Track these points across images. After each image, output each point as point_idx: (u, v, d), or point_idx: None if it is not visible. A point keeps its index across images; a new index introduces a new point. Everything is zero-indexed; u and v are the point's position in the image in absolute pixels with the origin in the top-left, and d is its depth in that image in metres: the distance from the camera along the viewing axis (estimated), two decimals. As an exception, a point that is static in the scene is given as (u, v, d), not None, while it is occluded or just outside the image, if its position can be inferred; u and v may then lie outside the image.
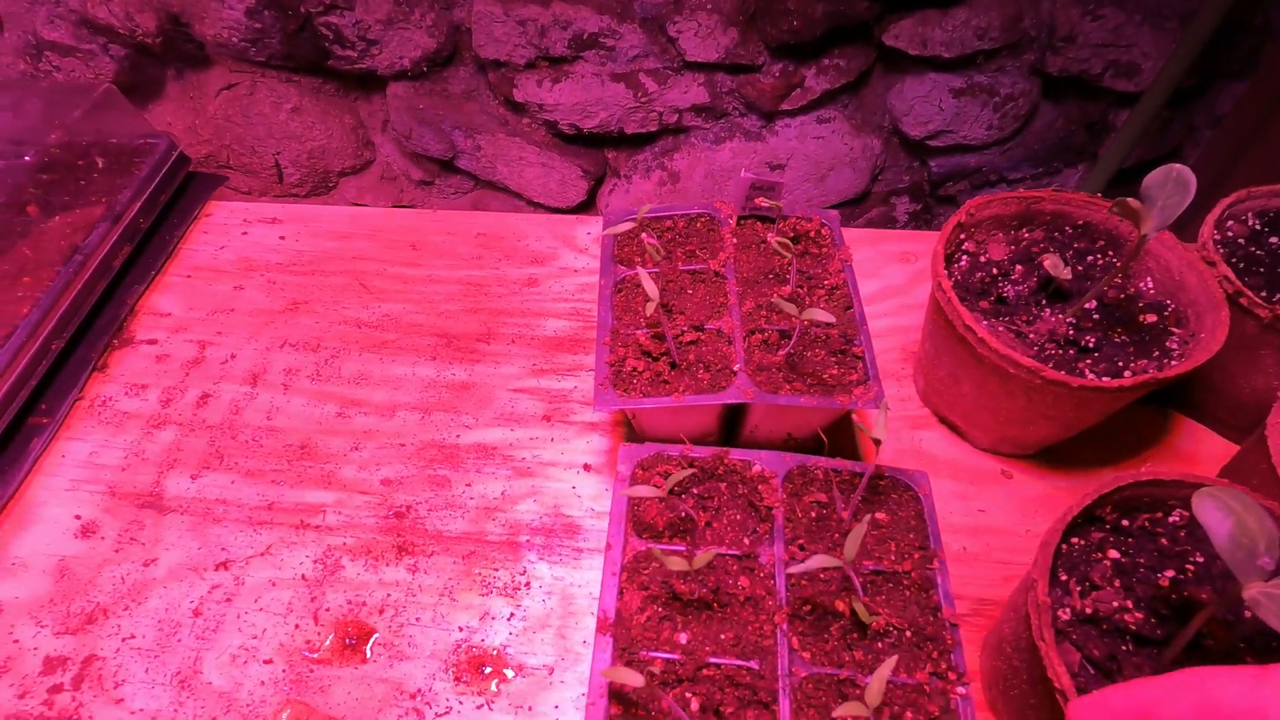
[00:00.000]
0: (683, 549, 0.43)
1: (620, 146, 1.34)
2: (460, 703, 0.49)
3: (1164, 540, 0.42)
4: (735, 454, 0.46)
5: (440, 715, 0.48)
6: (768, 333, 0.53)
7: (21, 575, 0.54)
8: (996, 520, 0.57)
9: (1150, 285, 0.56)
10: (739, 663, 0.39)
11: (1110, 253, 0.58)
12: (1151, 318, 0.53)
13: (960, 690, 0.37)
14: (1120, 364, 0.50)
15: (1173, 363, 0.50)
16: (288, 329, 0.69)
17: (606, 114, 1.24)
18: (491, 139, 1.33)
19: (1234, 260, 0.56)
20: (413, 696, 0.49)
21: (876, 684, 0.33)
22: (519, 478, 0.59)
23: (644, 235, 0.56)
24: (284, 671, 0.50)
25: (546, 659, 0.50)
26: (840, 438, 0.60)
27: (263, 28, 1.18)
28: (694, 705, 0.37)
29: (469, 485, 0.59)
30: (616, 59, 1.18)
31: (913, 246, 0.76)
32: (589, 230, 0.78)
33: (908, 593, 0.41)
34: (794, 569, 0.38)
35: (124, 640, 0.51)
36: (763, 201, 0.57)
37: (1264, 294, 0.54)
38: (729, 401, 0.48)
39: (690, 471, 0.44)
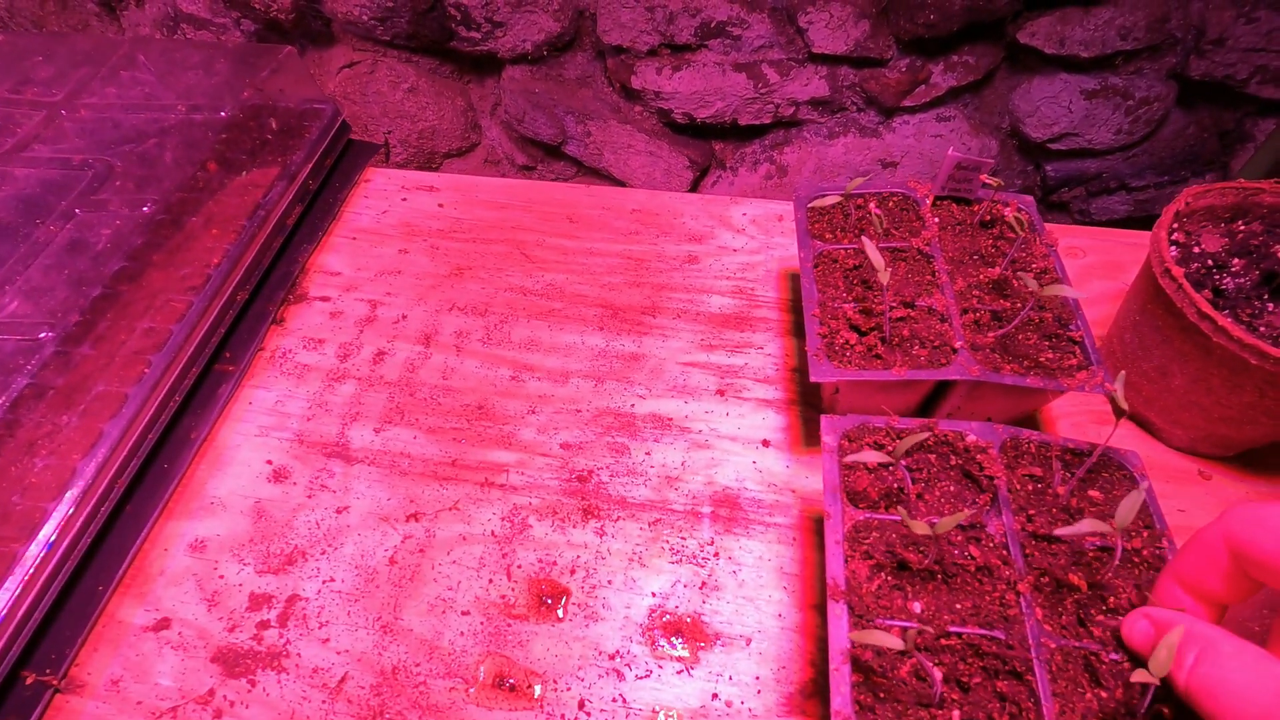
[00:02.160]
0: (897, 519, 0.42)
1: (729, 138, 1.34)
2: (660, 667, 0.48)
3: None
4: (945, 425, 0.45)
5: (641, 677, 0.48)
6: (979, 313, 0.52)
7: (221, 514, 0.56)
8: (1197, 520, 0.55)
9: (1381, 285, 0.53)
10: (982, 632, 0.38)
11: (1333, 250, 0.55)
12: (1391, 318, 0.51)
13: None
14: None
15: None
16: (455, 293, 0.70)
17: (723, 104, 1.24)
18: (603, 125, 1.33)
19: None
20: (611, 657, 0.49)
21: (1165, 652, 0.32)
22: (697, 449, 0.59)
23: (871, 205, 0.56)
24: (482, 624, 0.50)
25: (744, 630, 0.50)
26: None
27: (394, 6, 1.21)
28: (936, 675, 0.36)
29: (648, 454, 0.59)
30: (741, 48, 1.18)
31: (1078, 241, 0.74)
32: (744, 211, 0.78)
33: (1138, 570, 0.40)
34: (1063, 531, 0.37)
35: (324, 583, 0.52)
36: (985, 178, 0.56)
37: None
38: (952, 378, 0.47)
39: (924, 436, 0.43)
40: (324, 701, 0.47)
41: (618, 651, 0.49)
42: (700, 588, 0.52)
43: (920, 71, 1.15)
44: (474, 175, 0.82)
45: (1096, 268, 0.71)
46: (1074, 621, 0.39)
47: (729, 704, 0.47)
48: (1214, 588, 0.33)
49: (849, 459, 0.43)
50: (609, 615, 0.50)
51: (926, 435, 0.44)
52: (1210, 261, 0.55)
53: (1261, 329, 0.50)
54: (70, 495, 0.51)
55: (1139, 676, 0.33)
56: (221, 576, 0.52)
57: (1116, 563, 0.39)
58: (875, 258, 0.47)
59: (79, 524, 0.51)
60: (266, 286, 0.70)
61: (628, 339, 0.66)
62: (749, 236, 0.75)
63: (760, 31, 1.15)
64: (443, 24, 1.23)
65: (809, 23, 1.11)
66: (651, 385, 0.63)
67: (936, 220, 0.57)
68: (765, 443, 0.59)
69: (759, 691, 0.47)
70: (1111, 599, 0.39)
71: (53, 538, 0.49)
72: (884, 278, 0.46)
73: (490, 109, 1.42)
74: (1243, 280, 0.53)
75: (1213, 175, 1.27)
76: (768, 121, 1.27)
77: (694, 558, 0.53)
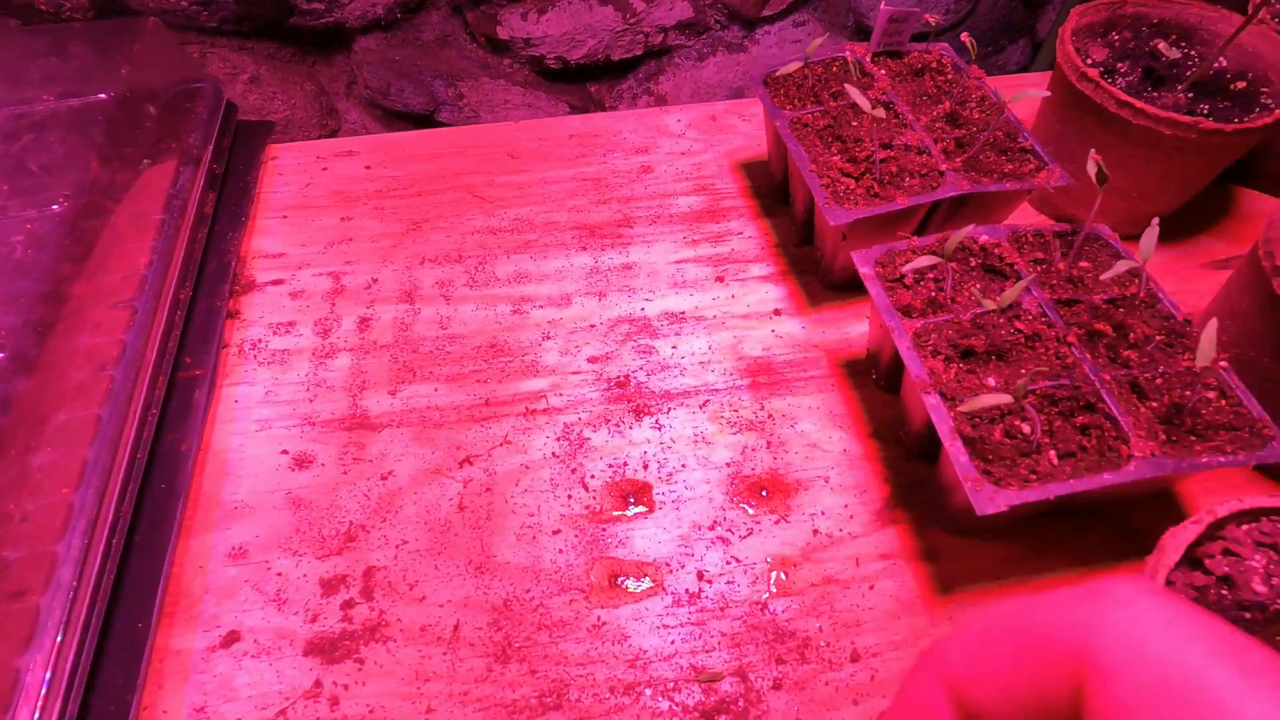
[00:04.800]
0: (947, 319, 0.46)
1: (603, 78, 1.34)
2: (758, 522, 0.50)
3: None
4: (954, 234, 0.50)
5: (744, 537, 0.50)
6: (945, 142, 0.57)
7: (251, 517, 0.50)
8: (1136, 290, 0.64)
9: (1225, 63, 0.64)
10: (1051, 384, 0.43)
11: (1184, 43, 0.66)
12: (1241, 84, 0.62)
13: (1222, 364, 0.43)
14: (1236, 121, 0.58)
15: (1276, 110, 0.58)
16: (420, 246, 0.66)
17: (595, 41, 1.24)
18: (475, 85, 1.29)
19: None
20: (710, 528, 0.50)
21: (1206, 344, 0.38)
22: (718, 331, 0.61)
23: (847, 50, 0.59)
24: (576, 537, 0.50)
25: (818, 471, 0.53)
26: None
27: (218, -14, 1.08)
28: (1035, 418, 0.41)
29: (674, 348, 0.60)
30: (604, -19, 1.17)
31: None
32: (678, 118, 0.79)
33: (1141, 310, 0.47)
34: (1104, 276, 0.43)
35: (398, 548, 0.49)
36: (922, 19, 0.60)
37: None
38: (949, 195, 0.52)
39: (959, 239, 0.47)
40: (444, 654, 0.45)
41: (715, 522, 0.50)
42: (767, 448, 0.54)
43: (774, -21, 1.21)
44: (393, 133, 0.77)
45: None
46: (1108, 360, 0.45)
47: (829, 536, 0.50)
48: None
49: (905, 267, 0.47)
50: (695, 494, 0.52)
51: (956, 242, 0.48)
52: (1101, 68, 0.64)
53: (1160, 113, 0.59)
54: (78, 531, 0.44)
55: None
56: (279, 574, 0.48)
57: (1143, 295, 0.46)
58: (860, 99, 0.51)
59: (97, 561, 0.44)
60: (204, 281, 0.63)
61: (614, 252, 0.66)
62: (691, 140, 0.76)
63: (619, -40, 1.15)
64: (277, 0, 1.13)
65: (666, -56, 1.13)
66: (654, 287, 0.64)
67: (884, 72, 0.62)
68: (777, 312, 0.62)
69: (851, 516, 0.51)
70: (1131, 335, 0.46)
71: (74, 582, 0.43)
72: (878, 113, 0.50)
73: (345, 89, 1.33)
74: (1131, 78, 0.63)
75: (1024, 39, 1.45)
76: (639, 53, 1.28)
77: (752, 424, 0.55)
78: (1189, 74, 0.62)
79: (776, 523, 0.50)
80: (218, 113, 0.71)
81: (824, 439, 0.54)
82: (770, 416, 0.56)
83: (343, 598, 0.47)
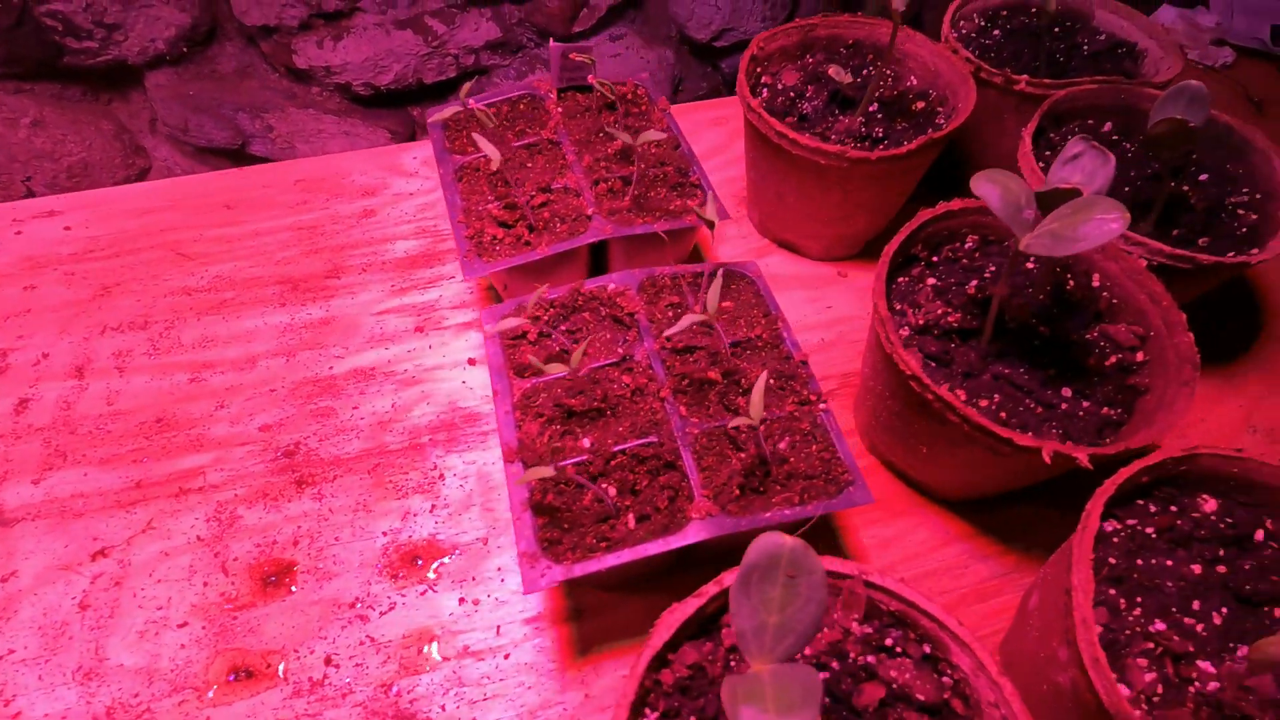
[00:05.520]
0: (564, 375, 0.45)
1: (423, 100, 1.31)
2: (403, 595, 0.48)
3: (964, 261, 0.50)
4: (589, 283, 0.49)
5: (385, 612, 0.48)
6: (611, 180, 0.56)
7: None
8: (842, 311, 0.64)
9: (914, 81, 0.65)
10: (640, 442, 0.42)
11: (879, 63, 0.66)
12: (920, 104, 0.62)
13: (822, 407, 0.43)
14: (906, 143, 0.59)
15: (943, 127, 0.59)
16: (105, 314, 0.62)
17: (401, 66, 1.20)
18: (282, 116, 1.24)
19: (969, 50, 0.67)
20: (351, 605, 0.48)
21: (756, 397, 0.38)
22: (406, 388, 0.58)
23: (470, 101, 0.57)
24: (204, 629, 0.47)
25: (478, 533, 0.51)
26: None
27: (-31, 29, 1.02)
28: (611, 492, 0.40)
29: (356, 408, 0.57)
30: (397, 4, 1.14)
31: (723, 112, 0.82)
32: (414, 155, 0.77)
33: (763, 352, 0.46)
34: (670, 331, 0.42)
35: (2, 659, 0.46)
36: (576, 57, 0.59)
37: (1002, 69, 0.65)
38: (588, 241, 0.51)
39: (556, 294, 0.46)
40: (30, 777, 0.42)
41: (357, 599, 0.48)
42: (431, 511, 0.52)
43: (578, -4, 1.20)
44: (108, 188, 0.73)
45: (740, 129, 0.79)
46: (720, 408, 0.45)
47: (475, 603, 0.48)
48: None
49: (496, 327, 0.45)
50: (342, 569, 0.49)
51: (536, 298, 0.47)
52: (792, 93, 0.63)
53: (833, 138, 0.59)
54: None
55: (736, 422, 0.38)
56: None
57: (726, 344, 0.45)
58: (488, 148, 0.49)
59: None
60: None
61: (314, 306, 0.64)
62: (423, 178, 0.74)
63: (410, -16, 1.12)
64: (42, 38, 1.06)
65: (454, -34, 1.11)
66: (348, 343, 0.61)
67: (561, 109, 0.60)
68: (471, 361, 0.60)
69: (503, 580, 0.49)
70: (743, 380, 0.45)
71: None
72: (494, 163, 0.48)
73: (149, 125, 1.27)
74: (817, 102, 0.62)
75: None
76: (454, 75, 1.25)
77: (419, 486, 0.53)
78: (877, 95, 0.62)
79: (424, 594, 0.48)
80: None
81: (495, 499, 0.53)
82: (441, 476, 0.54)
83: (-74, 722, 0.43)
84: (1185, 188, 0.57)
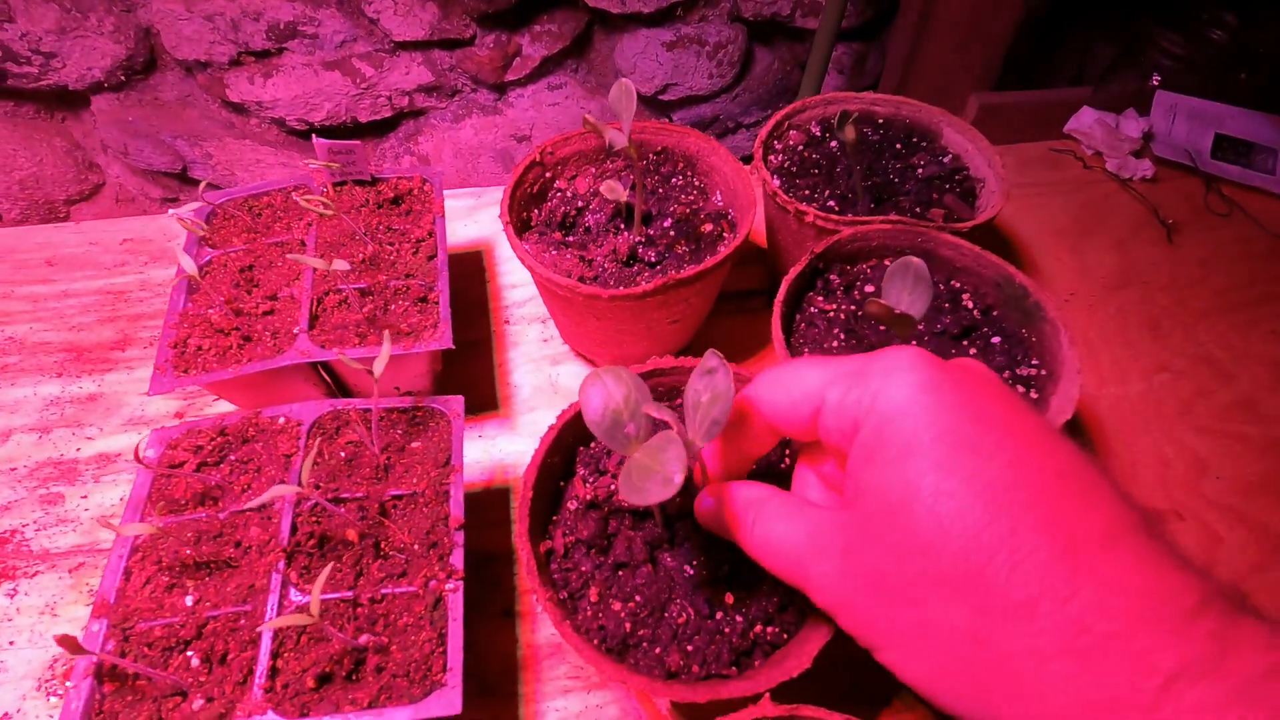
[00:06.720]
0: (203, 517, 0.43)
1: (362, 136, 1.31)
2: (51, 716, 0.47)
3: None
4: (268, 412, 0.47)
5: (29, 733, 0.46)
6: (345, 292, 0.54)
7: None
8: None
9: (720, 199, 0.61)
10: (236, 609, 0.40)
11: (689, 172, 0.62)
12: (709, 227, 0.58)
13: (449, 585, 0.40)
14: (675, 272, 0.55)
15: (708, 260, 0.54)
16: (-111, 370, 0.63)
17: (332, 105, 1.21)
18: (220, 145, 1.26)
19: (790, 166, 0.62)
20: (0, 721, 0.47)
21: (316, 592, 0.35)
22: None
23: (177, 214, 0.54)
24: None
25: (152, 653, 0.49)
26: (471, 376, 0.62)
27: (-89, 51, 1.07)
28: (195, 661, 0.38)
29: (85, 497, 0.56)
30: (323, 46, 1.15)
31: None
32: (246, 221, 0.76)
33: (424, 510, 0.43)
34: (250, 504, 0.39)
35: None
36: (339, 154, 0.57)
37: (817, 191, 0.60)
38: (284, 364, 0.49)
39: (232, 420, 0.44)
40: None
41: (6, 715, 0.47)
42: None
43: (509, 45, 1.18)
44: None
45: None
46: (351, 575, 0.42)
47: (121, 733, 0.46)
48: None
49: (145, 454, 0.43)
50: (3, 679, 0.48)
51: (222, 436, 0.45)
52: (580, 203, 0.60)
53: (595, 260, 0.55)
54: None
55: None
56: None
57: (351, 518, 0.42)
58: (185, 262, 0.47)
59: None
60: None
61: (88, 380, 0.63)
62: (247, 246, 0.73)
63: (336, 27, 1.12)
64: (-14, 62, 1.11)
65: (377, 12, 1.10)
66: (106, 423, 0.60)
67: (324, 205, 0.58)
68: (216, 457, 0.59)
69: (156, 711, 0.47)
70: (385, 544, 0.42)
71: None
72: (191, 268, 0.46)
73: (101, 145, 1.31)
74: (599, 215, 0.59)
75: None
76: (388, 115, 1.25)
77: (114, 593, 0.52)
78: (671, 210, 0.58)
79: None
80: None
81: (181, 613, 0.51)
82: (141, 584, 0.52)
83: None
84: (973, 351, 0.51)
